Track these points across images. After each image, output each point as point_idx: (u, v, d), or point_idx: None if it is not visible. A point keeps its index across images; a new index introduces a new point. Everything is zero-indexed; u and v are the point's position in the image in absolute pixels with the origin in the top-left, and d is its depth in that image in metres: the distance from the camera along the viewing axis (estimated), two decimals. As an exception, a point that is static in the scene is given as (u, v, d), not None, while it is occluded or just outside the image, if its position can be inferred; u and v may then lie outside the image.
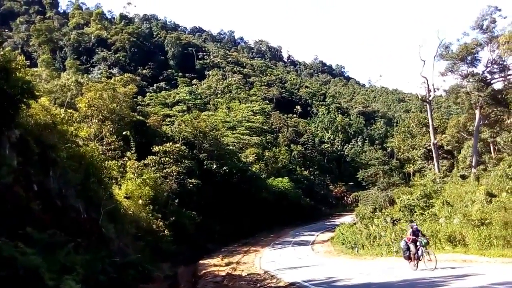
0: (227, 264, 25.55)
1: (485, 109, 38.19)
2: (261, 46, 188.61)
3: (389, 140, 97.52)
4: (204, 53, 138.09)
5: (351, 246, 30.00)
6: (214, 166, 45.84)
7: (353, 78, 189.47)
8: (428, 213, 24.32)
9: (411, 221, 20.74)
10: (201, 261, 27.54)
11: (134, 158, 28.66)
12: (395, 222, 26.95)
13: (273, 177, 64.25)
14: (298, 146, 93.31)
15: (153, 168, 32.08)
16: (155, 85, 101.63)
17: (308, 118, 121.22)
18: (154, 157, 33.91)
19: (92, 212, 15.14)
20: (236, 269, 23.71)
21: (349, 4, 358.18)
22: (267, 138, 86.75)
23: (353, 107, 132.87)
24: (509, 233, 16.10)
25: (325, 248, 34.72)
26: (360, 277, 15.29)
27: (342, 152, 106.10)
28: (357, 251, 27.64)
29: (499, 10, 36.54)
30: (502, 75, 37.96)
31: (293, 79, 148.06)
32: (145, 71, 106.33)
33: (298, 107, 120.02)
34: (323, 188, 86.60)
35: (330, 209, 78.11)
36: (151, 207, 24.74)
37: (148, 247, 21.13)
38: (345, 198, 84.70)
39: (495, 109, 38.38)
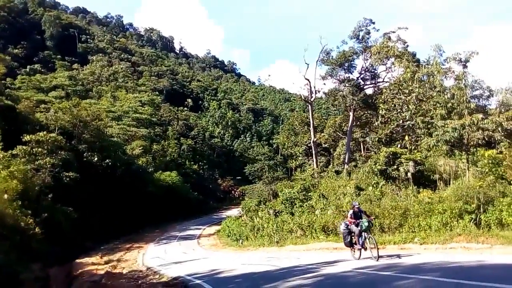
0: (107, 262, 24.36)
1: (358, 111, 42.50)
2: (152, 34, 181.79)
3: (275, 137, 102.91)
4: (88, 36, 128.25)
5: (236, 238, 30.92)
6: (96, 159, 43.03)
7: (244, 76, 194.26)
8: (306, 205, 26.31)
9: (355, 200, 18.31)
10: (77, 260, 25.79)
11: (0, 147, 25.35)
12: (277, 214, 28.62)
13: (161, 171, 62.92)
14: (188, 139, 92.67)
15: (22, 160, 29.02)
16: (28, 67, 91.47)
17: (199, 112, 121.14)
18: (24, 147, 30.57)
19: None
20: (116, 267, 22.72)
21: (242, 2, 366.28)
22: (156, 130, 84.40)
23: (243, 103, 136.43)
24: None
25: (211, 242, 35.25)
26: (242, 268, 15.80)
27: (231, 147, 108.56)
28: (242, 243, 28.57)
29: (373, 23, 40.86)
30: (373, 81, 42.65)
31: (185, 71, 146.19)
32: (17, 50, 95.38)
33: (189, 100, 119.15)
34: (211, 182, 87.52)
35: (218, 203, 79.45)
36: (20, 203, 22.30)
37: (15, 247, 19.07)
38: (232, 192, 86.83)
39: (366, 112, 42.94)
